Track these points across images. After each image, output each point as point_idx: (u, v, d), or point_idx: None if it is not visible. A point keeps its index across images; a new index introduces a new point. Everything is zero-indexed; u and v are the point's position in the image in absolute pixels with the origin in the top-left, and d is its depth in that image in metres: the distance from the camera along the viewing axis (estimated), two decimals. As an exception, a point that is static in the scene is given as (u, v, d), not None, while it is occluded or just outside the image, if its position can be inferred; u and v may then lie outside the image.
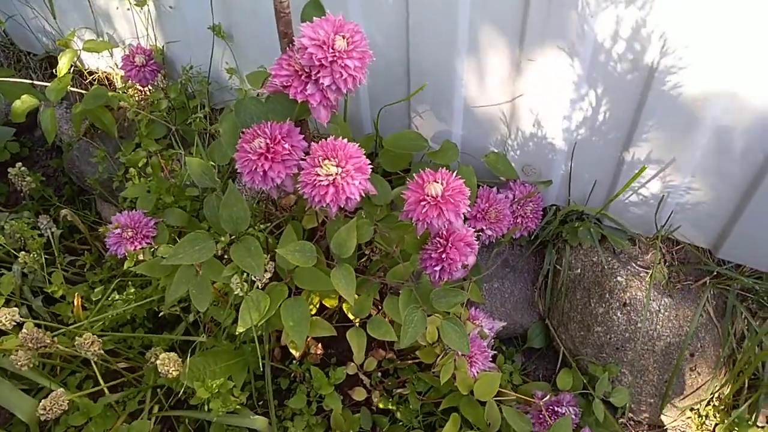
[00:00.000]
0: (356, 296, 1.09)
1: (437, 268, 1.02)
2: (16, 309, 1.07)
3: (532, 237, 1.41)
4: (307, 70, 0.94)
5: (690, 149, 1.11)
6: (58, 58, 1.55)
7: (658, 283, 1.29)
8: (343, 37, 0.92)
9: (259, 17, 1.37)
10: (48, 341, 1.10)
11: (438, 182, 0.93)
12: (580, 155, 1.24)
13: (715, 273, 1.29)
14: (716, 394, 1.34)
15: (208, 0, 1.41)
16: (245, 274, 1.11)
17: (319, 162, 0.93)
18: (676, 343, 1.29)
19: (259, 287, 1.13)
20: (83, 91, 1.65)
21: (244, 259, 1.08)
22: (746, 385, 1.30)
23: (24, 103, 1.52)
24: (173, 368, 1.06)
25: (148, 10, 1.54)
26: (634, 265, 1.32)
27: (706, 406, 1.35)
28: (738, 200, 1.15)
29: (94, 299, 1.48)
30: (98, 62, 1.80)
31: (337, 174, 0.92)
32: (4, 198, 1.91)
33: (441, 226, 0.93)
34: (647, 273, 1.31)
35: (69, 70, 1.56)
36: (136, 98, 1.70)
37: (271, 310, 1.12)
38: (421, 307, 0.98)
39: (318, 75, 0.92)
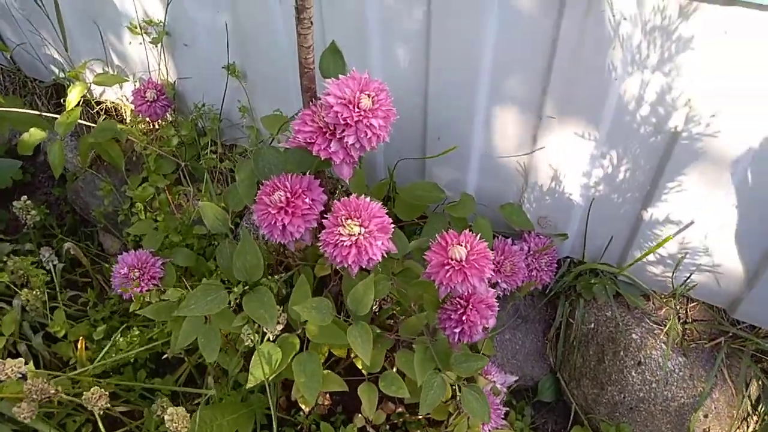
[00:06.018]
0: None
1: (456, 330, 1.00)
2: (22, 360, 1.04)
3: (547, 290, 1.39)
4: (331, 128, 0.93)
5: (711, 212, 1.10)
6: (68, 90, 1.52)
7: (672, 342, 1.28)
8: (369, 96, 0.91)
9: (274, 60, 1.36)
10: (52, 392, 1.07)
11: (462, 245, 0.92)
12: (597, 211, 1.23)
13: (730, 333, 1.27)
14: (729, 456, 1.32)
15: (223, 39, 1.40)
16: (257, 324, 1.09)
17: (341, 221, 0.91)
18: (690, 404, 1.27)
19: (271, 339, 1.11)
20: (90, 124, 1.63)
21: (256, 311, 1.06)
22: (761, 449, 1.28)
23: (32, 136, 1.50)
24: (182, 425, 1.03)
25: (161, 46, 1.53)
26: (648, 321, 1.31)
27: (718, 467, 1.33)
28: (758, 263, 1.14)
29: (96, 338, 1.45)
30: (107, 93, 1.78)
31: (360, 234, 0.90)
32: (4, 225, 1.87)
33: (465, 291, 0.91)
34: (661, 329, 1.29)
35: (78, 103, 1.54)
36: (145, 132, 1.68)
37: (282, 364, 1.09)
38: (440, 372, 0.96)
39: (343, 134, 0.91)
